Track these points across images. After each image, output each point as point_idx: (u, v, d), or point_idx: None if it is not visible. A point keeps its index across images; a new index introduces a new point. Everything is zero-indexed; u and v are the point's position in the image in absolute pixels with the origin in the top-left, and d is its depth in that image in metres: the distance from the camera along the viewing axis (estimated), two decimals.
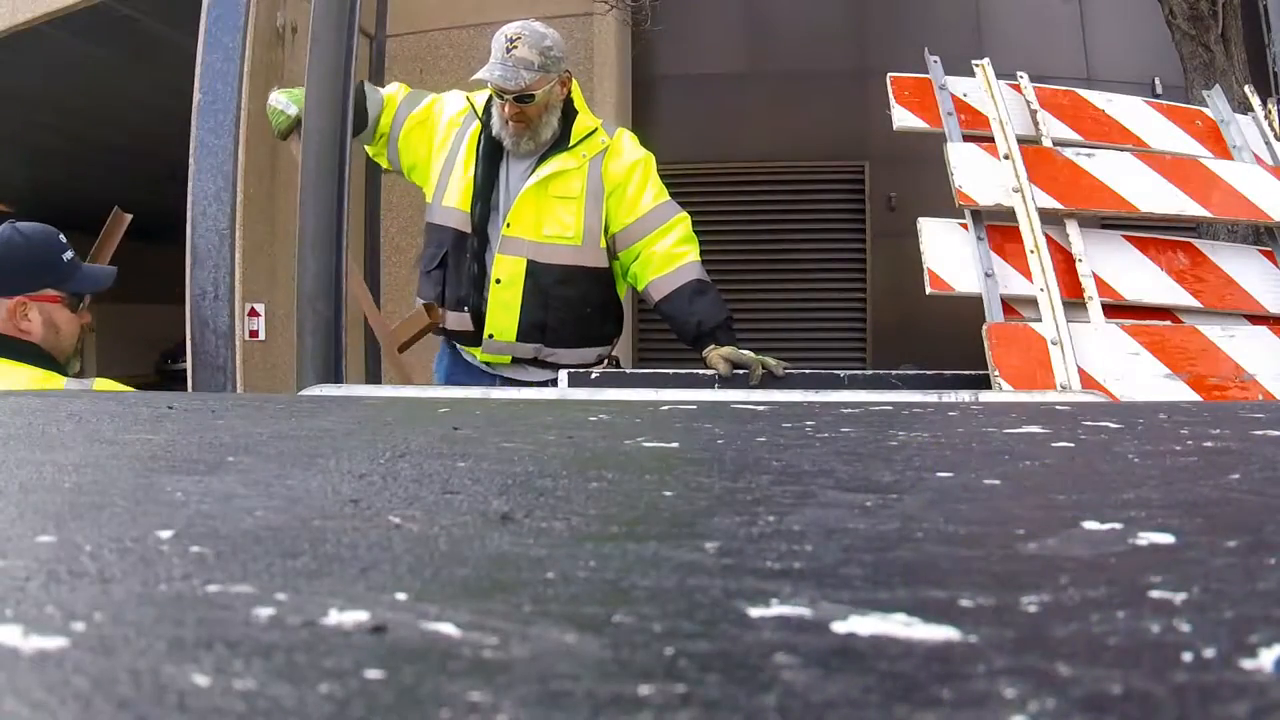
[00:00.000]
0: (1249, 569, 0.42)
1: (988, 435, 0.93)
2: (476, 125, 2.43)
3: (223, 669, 0.29)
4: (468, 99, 2.48)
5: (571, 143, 2.37)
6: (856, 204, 6.63)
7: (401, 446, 0.83)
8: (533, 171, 2.36)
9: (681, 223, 2.42)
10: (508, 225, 2.35)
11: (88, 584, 0.39)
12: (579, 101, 2.46)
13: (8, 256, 1.85)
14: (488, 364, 2.47)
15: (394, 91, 2.53)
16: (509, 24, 2.38)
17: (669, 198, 2.44)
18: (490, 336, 2.39)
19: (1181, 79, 4.89)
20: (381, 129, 2.50)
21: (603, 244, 2.40)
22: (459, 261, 2.41)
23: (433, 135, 2.47)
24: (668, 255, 2.37)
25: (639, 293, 2.46)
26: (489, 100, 2.41)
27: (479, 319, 2.40)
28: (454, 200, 2.42)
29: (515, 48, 2.30)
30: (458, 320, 2.42)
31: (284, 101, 2.45)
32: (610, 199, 2.38)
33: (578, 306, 2.42)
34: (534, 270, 2.35)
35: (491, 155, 2.40)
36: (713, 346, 2.28)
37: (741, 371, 2.17)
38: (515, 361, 2.43)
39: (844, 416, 1.10)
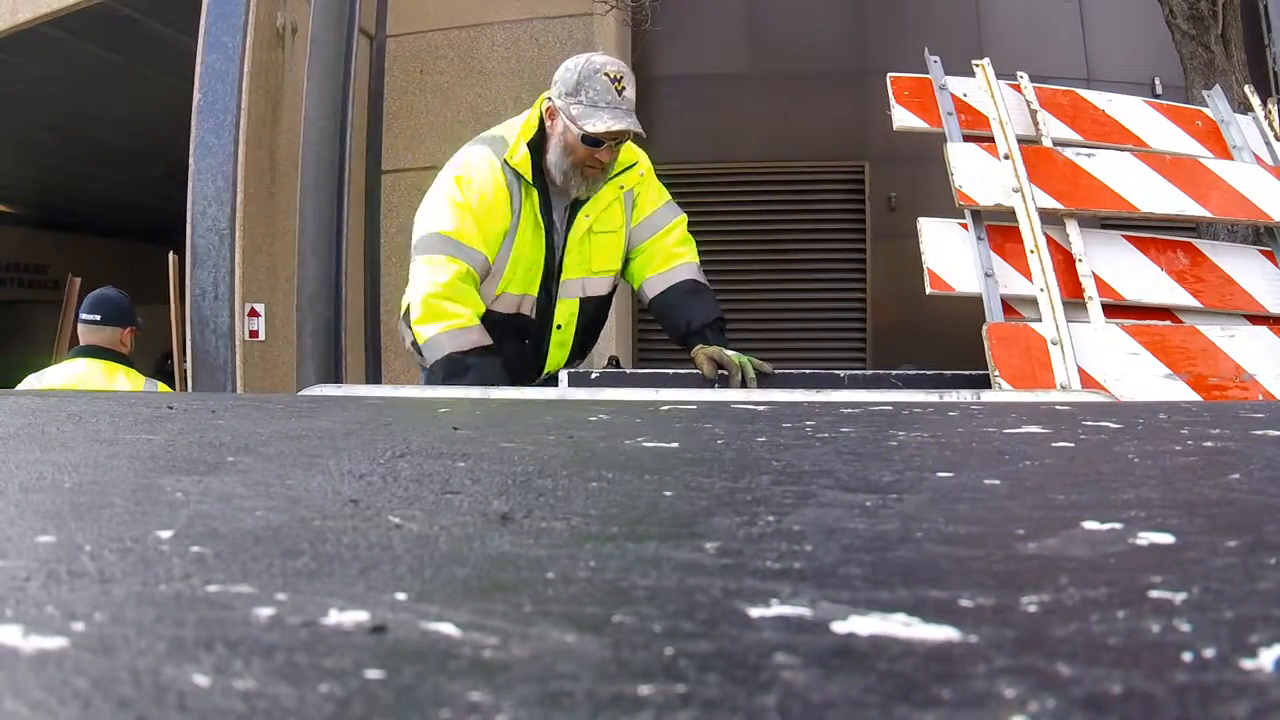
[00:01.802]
0: (1249, 569, 0.42)
1: (988, 435, 0.93)
2: (532, 194, 2.16)
3: (223, 669, 0.29)
4: (503, 165, 2.14)
5: (611, 174, 2.25)
6: (856, 204, 6.63)
7: (401, 446, 0.83)
8: (572, 213, 2.24)
9: (680, 224, 2.42)
10: (563, 273, 2.28)
11: (88, 584, 0.39)
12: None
13: (121, 305, 3.10)
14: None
15: (469, 272, 2.11)
16: (595, 57, 2.17)
17: (669, 198, 2.45)
18: (546, 373, 2.38)
19: (1181, 79, 4.89)
20: (487, 263, 2.16)
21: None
22: (509, 342, 2.24)
23: (489, 227, 2.13)
24: (666, 255, 2.38)
25: (634, 290, 2.47)
26: (534, 146, 2.16)
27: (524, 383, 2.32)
28: (514, 286, 2.22)
29: (624, 88, 2.09)
30: None
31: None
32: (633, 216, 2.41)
33: (604, 320, 2.46)
34: (584, 306, 2.35)
35: (550, 222, 2.22)
36: (700, 346, 2.27)
37: (724, 373, 2.17)
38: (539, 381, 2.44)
39: (844, 416, 1.10)
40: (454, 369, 2.03)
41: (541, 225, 2.19)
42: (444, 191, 2.15)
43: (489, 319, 2.15)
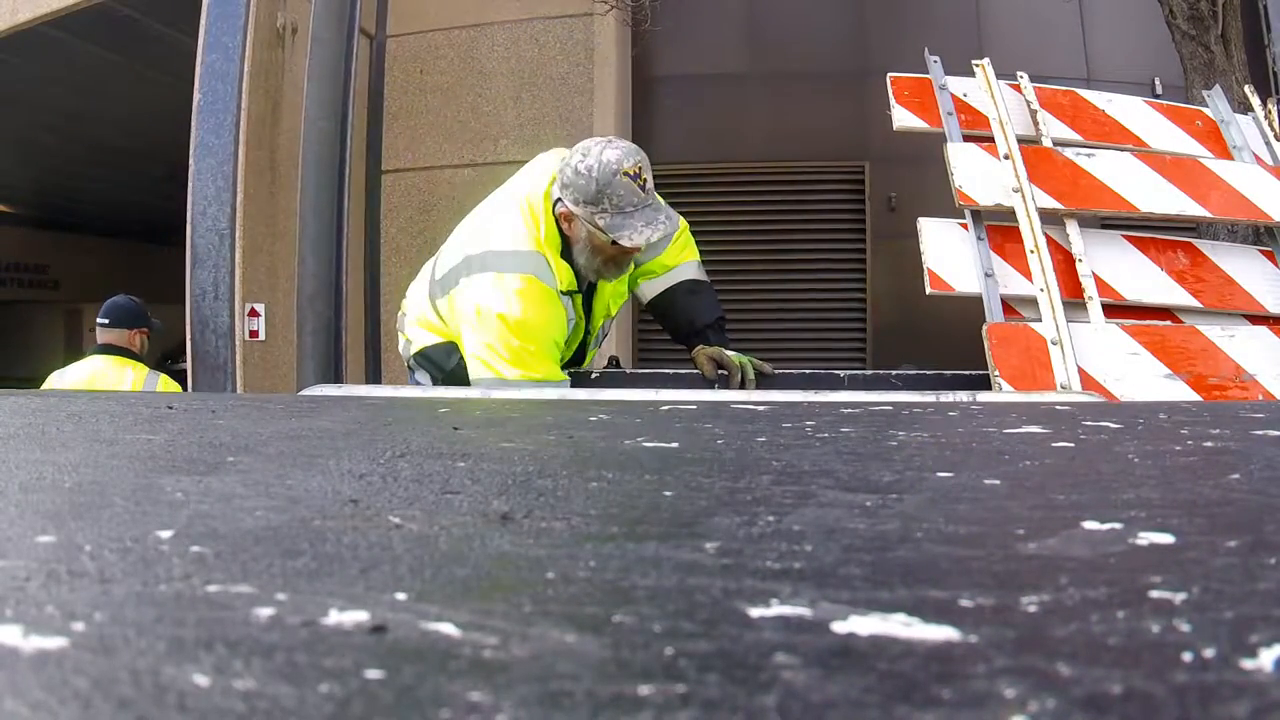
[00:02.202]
0: (1249, 569, 0.42)
1: (988, 435, 0.93)
2: (576, 298, 2.15)
3: (223, 669, 0.29)
4: (557, 288, 2.06)
5: None
6: (856, 204, 6.63)
7: (401, 446, 0.83)
8: (593, 286, 2.22)
9: (681, 232, 2.40)
10: (592, 333, 2.30)
11: (88, 584, 0.39)
12: None
13: (131, 309, 3.50)
14: None
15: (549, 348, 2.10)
16: (606, 152, 2.00)
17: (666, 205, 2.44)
18: None
19: (1181, 79, 4.89)
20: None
21: None
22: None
23: (557, 345, 2.14)
24: (666, 257, 2.38)
25: (633, 291, 2.46)
26: (563, 255, 2.08)
27: None
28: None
29: (645, 181, 2.00)
30: None
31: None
32: None
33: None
34: (600, 338, 2.39)
35: (587, 305, 2.23)
36: (701, 346, 2.27)
37: (724, 373, 2.17)
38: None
39: (844, 416, 1.10)
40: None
41: (582, 315, 2.19)
42: (514, 344, 2.03)
43: None
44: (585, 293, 2.19)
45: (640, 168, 2.00)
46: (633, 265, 2.25)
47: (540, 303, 2.02)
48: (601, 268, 2.10)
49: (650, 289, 2.38)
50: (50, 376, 3.46)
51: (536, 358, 2.03)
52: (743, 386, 2.14)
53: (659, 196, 2.07)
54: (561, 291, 2.06)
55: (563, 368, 2.20)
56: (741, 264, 6.40)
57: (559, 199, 2.04)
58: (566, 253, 2.08)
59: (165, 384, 3.39)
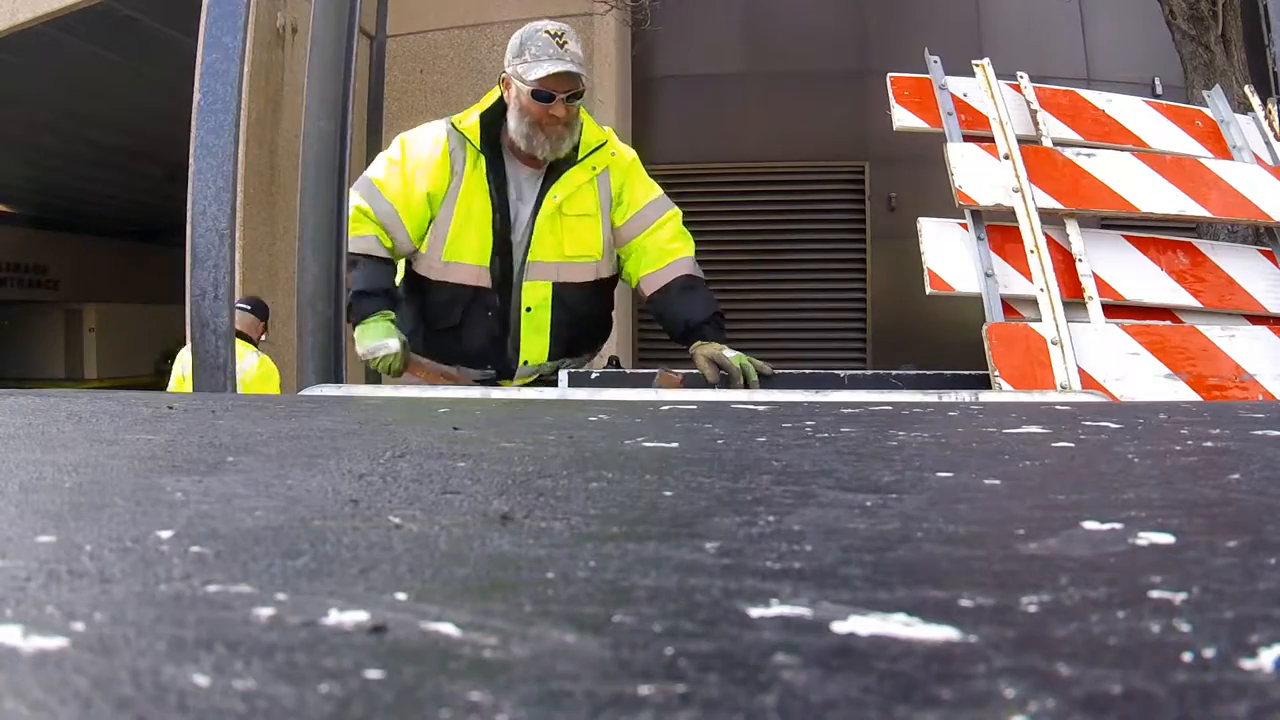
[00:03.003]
0: (1249, 569, 0.42)
1: (988, 435, 0.93)
2: (479, 160, 2.22)
3: (223, 669, 0.29)
4: (450, 129, 2.24)
5: (580, 155, 2.27)
6: (856, 204, 6.63)
7: (401, 446, 0.83)
8: (542, 192, 2.25)
9: (673, 218, 2.38)
10: (531, 254, 2.27)
11: (88, 584, 0.39)
12: (582, 111, 2.35)
13: (263, 307, 4.38)
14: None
15: (367, 211, 2.23)
16: (537, 21, 2.22)
17: (660, 193, 2.41)
18: (525, 363, 2.32)
19: (1181, 79, 4.89)
20: (397, 246, 2.25)
21: (610, 253, 2.38)
22: (478, 319, 2.27)
23: (413, 187, 2.21)
24: (660, 251, 2.34)
25: (633, 289, 2.45)
26: (491, 119, 2.24)
27: (502, 369, 2.32)
28: (466, 255, 2.23)
29: (565, 42, 2.15)
30: (480, 376, 2.31)
31: (376, 345, 2.18)
32: (614, 206, 2.35)
33: (600, 316, 2.42)
34: (560, 291, 2.28)
35: (500, 188, 2.24)
36: (699, 344, 2.25)
37: (725, 374, 2.15)
38: (533, 382, 2.38)
39: (844, 416, 1.10)
40: (348, 264, 2.16)
41: (487, 191, 2.22)
42: (386, 151, 2.31)
43: (450, 292, 2.26)
44: (532, 195, 2.26)
45: (563, 32, 2.16)
46: (596, 174, 2.27)
47: (429, 131, 2.26)
48: (530, 132, 2.18)
49: (648, 285, 2.34)
50: (182, 351, 3.98)
51: (390, 170, 2.24)
52: (745, 388, 2.14)
53: (584, 69, 2.18)
54: (458, 133, 2.22)
55: (496, 273, 2.24)
56: (741, 264, 6.40)
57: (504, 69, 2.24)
58: (498, 121, 2.25)
59: (264, 363, 4.19)
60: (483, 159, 2.22)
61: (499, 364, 2.30)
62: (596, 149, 2.29)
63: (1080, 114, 2.78)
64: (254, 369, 4.13)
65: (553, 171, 2.26)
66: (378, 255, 2.23)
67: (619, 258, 2.39)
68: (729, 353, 2.19)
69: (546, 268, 2.27)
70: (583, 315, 2.35)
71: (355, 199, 2.21)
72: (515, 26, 2.34)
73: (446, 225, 2.22)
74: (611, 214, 2.34)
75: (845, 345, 6.59)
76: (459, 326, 2.28)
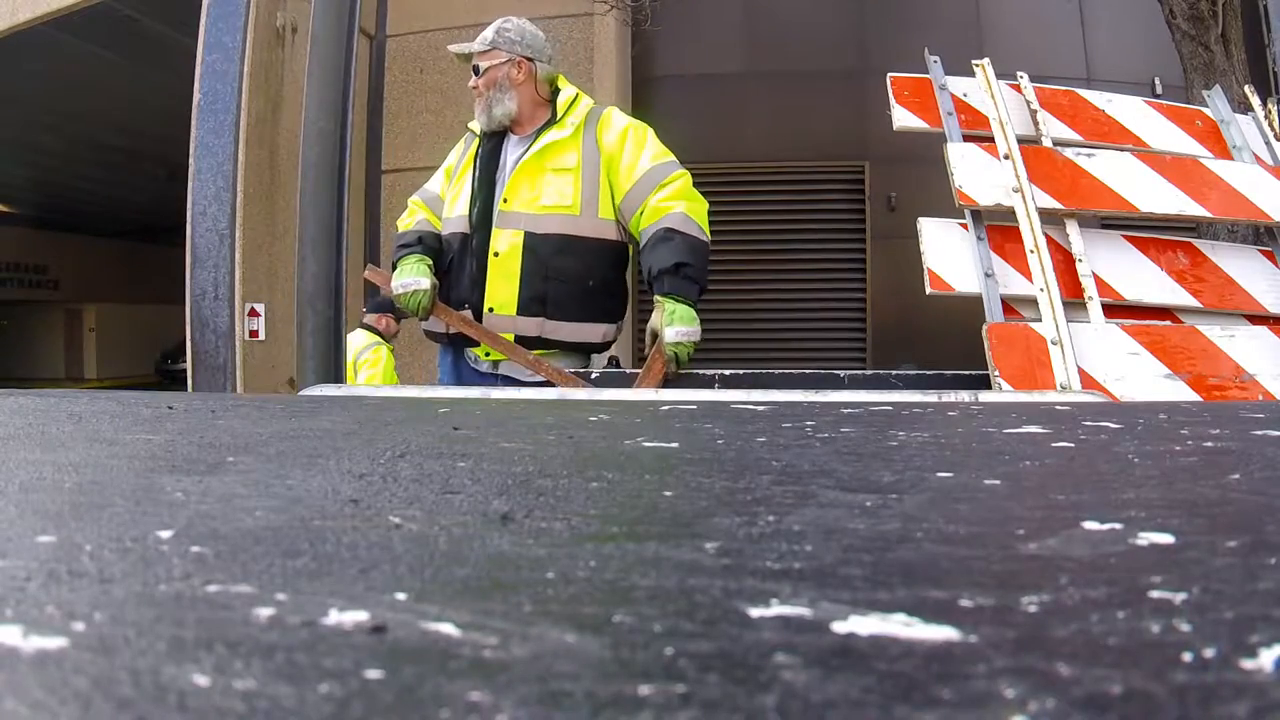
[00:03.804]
0: (1249, 569, 0.42)
1: (988, 435, 0.93)
2: (475, 142, 2.55)
3: (223, 669, 0.29)
4: (469, 128, 2.63)
5: (559, 116, 2.47)
6: (856, 204, 6.63)
7: (401, 446, 0.83)
8: (526, 150, 2.44)
9: (678, 179, 2.40)
10: (504, 201, 2.40)
11: (88, 584, 0.39)
12: (564, 81, 2.60)
13: (385, 302, 4.01)
14: (489, 360, 2.45)
15: (418, 202, 2.66)
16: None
17: (670, 158, 2.47)
18: (490, 310, 2.37)
19: (1181, 79, 4.89)
20: (441, 220, 2.62)
21: (607, 215, 2.41)
22: (462, 263, 2.46)
23: (446, 176, 2.65)
24: (655, 209, 2.37)
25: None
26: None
27: (479, 317, 2.40)
28: (457, 209, 2.49)
29: (485, 29, 2.53)
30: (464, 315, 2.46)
31: (409, 280, 2.43)
32: (609, 171, 2.41)
33: (579, 278, 2.40)
34: (532, 242, 2.36)
35: (491, 155, 2.50)
36: (657, 303, 2.30)
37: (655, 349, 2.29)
38: (519, 339, 2.39)
39: (844, 416, 1.10)
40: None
41: (474, 163, 2.51)
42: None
43: (447, 241, 2.54)
44: (517, 157, 2.47)
45: (494, 23, 2.57)
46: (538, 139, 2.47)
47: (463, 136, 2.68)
48: (475, 104, 2.52)
49: (642, 241, 2.39)
50: (350, 334, 4.38)
51: (410, 204, 2.69)
52: (665, 377, 2.24)
53: (481, 45, 2.54)
54: (470, 130, 2.61)
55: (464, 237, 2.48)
56: (741, 264, 6.40)
57: None
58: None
59: (390, 355, 4.49)
60: (477, 140, 2.54)
61: (474, 305, 2.44)
62: (570, 109, 2.49)
63: (1080, 114, 2.78)
64: (386, 360, 4.52)
65: (540, 137, 2.46)
66: (424, 226, 2.60)
67: (631, 227, 2.44)
68: (670, 333, 2.25)
69: (520, 217, 2.39)
70: (558, 269, 2.38)
71: (410, 201, 2.69)
72: None
73: (454, 191, 2.56)
74: (607, 177, 2.42)
75: (845, 345, 6.59)
76: (449, 270, 2.50)
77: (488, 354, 2.44)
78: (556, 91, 2.55)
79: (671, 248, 2.31)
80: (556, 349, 2.41)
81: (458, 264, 2.47)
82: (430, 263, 2.46)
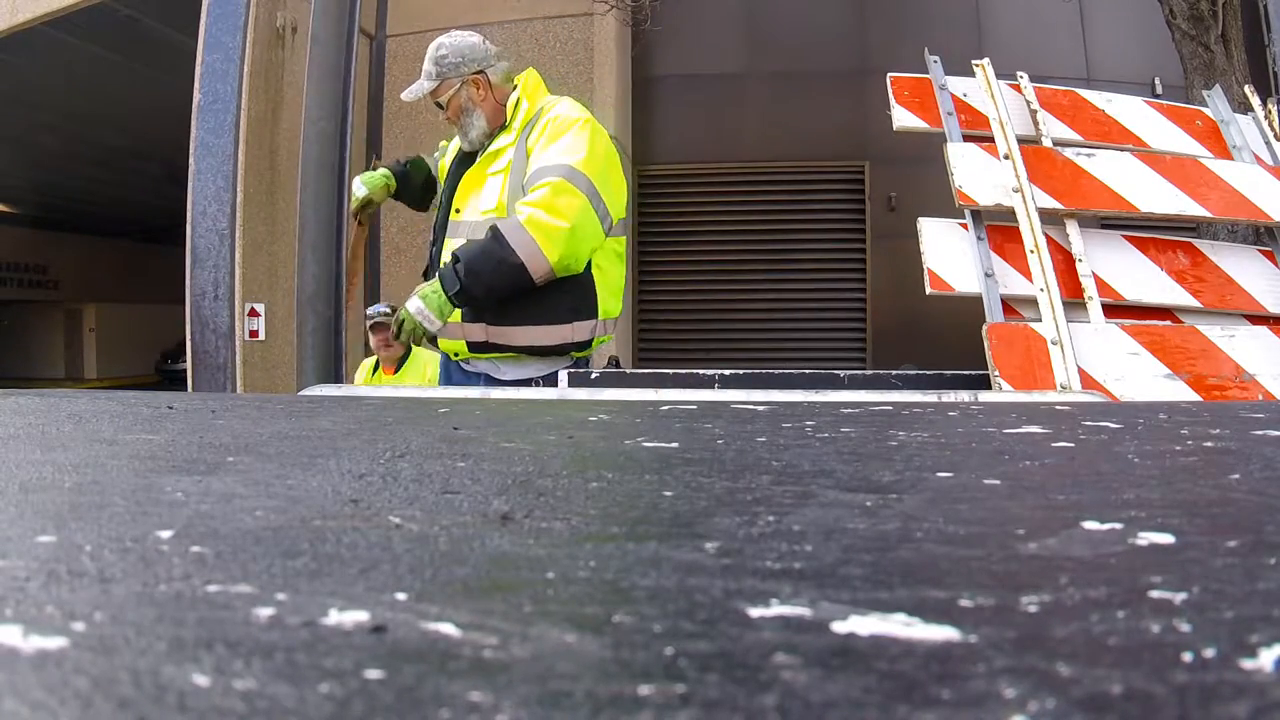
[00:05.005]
0: (1249, 569, 0.42)
1: (988, 435, 0.93)
2: (449, 154, 2.61)
3: (223, 669, 0.29)
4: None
5: (508, 120, 2.46)
6: (856, 204, 6.63)
7: (401, 446, 0.83)
8: (476, 159, 2.47)
9: (549, 186, 2.21)
10: (455, 211, 2.41)
11: (88, 584, 0.39)
12: (530, 93, 2.46)
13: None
14: (457, 357, 2.43)
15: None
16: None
17: (569, 158, 2.25)
18: (444, 322, 2.34)
19: (1181, 79, 4.89)
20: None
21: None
22: (431, 270, 2.49)
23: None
24: (516, 206, 2.26)
25: None
26: None
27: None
28: (435, 219, 2.56)
29: (423, 64, 2.47)
30: None
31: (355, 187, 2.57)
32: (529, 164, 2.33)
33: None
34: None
35: (460, 164, 2.53)
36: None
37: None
38: (471, 347, 2.36)
39: (844, 416, 1.10)
40: None
41: (453, 165, 2.54)
42: None
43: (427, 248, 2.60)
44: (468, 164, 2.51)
45: (428, 51, 2.49)
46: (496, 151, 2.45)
47: None
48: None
49: None
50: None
51: None
52: (398, 337, 2.30)
53: (429, 82, 2.48)
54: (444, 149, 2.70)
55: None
56: (741, 264, 6.40)
57: None
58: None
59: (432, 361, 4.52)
60: (452, 151, 2.60)
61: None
62: (515, 111, 2.45)
63: (1080, 114, 2.78)
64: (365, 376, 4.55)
65: (491, 143, 2.46)
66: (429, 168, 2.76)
67: None
68: (411, 302, 2.29)
69: (466, 225, 2.39)
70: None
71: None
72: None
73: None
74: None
75: (845, 345, 6.59)
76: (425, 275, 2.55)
77: (457, 354, 2.43)
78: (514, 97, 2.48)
79: (475, 245, 2.26)
80: (514, 353, 2.35)
81: (430, 270, 2.51)
82: (389, 173, 2.62)
